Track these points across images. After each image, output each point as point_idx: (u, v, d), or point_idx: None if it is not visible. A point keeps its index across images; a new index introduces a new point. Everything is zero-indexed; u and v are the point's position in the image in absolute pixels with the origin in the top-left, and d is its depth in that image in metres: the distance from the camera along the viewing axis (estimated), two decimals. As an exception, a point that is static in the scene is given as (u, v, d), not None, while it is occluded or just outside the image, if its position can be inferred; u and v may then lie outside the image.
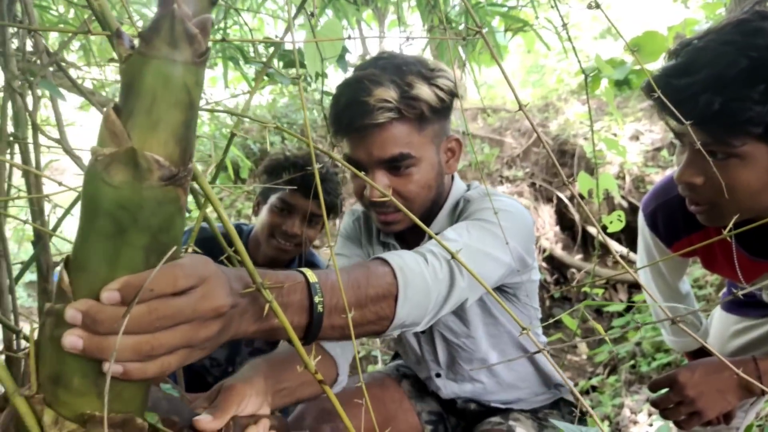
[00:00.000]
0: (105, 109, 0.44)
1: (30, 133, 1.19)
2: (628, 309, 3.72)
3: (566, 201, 4.69)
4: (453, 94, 1.11)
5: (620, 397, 2.84)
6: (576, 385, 3.24)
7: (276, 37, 1.38)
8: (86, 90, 1.10)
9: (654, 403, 1.15)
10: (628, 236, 3.87)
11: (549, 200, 4.86)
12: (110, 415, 0.48)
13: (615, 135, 4.82)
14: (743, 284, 1.13)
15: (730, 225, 0.60)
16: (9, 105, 0.99)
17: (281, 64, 1.35)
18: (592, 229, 4.39)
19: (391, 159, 1.07)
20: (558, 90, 5.90)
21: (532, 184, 4.91)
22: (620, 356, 3.26)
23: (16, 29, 0.87)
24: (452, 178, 1.23)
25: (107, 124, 0.43)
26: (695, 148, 0.92)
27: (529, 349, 1.30)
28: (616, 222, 1.47)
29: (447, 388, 1.33)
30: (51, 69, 0.92)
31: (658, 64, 1.00)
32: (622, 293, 4.19)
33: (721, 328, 1.52)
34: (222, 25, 2.02)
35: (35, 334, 0.50)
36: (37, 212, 1.18)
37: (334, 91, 1.11)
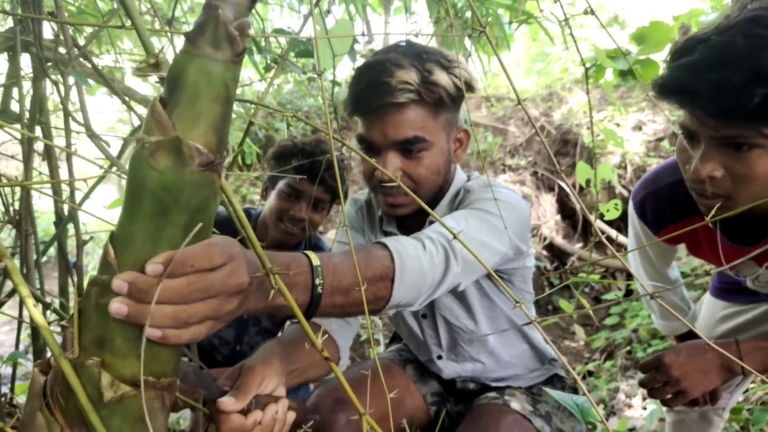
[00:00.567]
0: (152, 101, 0.49)
1: (50, 118, 1.25)
2: (626, 296, 3.78)
3: (568, 190, 4.74)
4: (469, 86, 1.15)
5: (615, 381, 2.90)
6: (573, 369, 3.31)
7: (288, 28, 1.43)
8: (108, 78, 1.16)
9: (642, 383, 1.21)
10: (627, 224, 3.92)
11: (551, 189, 4.91)
12: (160, 380, 0.54)
13: (618, 125, 4.85)
14: (729, 271, 1.18)
15: (712, 212, 0.65)
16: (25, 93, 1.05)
17: (292, 54, 1.40)
18: (592, 218, 4.44)
19: (405, 141, 1.11)
20: (562, 79, 5.91)
21: (534, 173, 4.96)
22: (617, 342, 3.32)
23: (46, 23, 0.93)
24: (455, 170, 1.27)
25: (154, 114, 0.49)
26: (714, 142, 0.94)
27: (529, 339, 1.37)
28: (612, 210, 1.53)
29: (448, 369, 1.39)
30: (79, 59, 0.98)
31: (662, 55, 1.00)
32: (621, 281, 4.25)
33: (709, 314, 1.58)
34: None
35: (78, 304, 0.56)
36: (59, 193, 1.25)
37: (341, 79, 1.17)
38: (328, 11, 0.82)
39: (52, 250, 1.44)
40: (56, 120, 1.36)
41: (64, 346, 0.57)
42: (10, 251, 1.16)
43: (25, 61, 1.11)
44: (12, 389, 1.12)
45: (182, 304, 0.52)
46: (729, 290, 1.51)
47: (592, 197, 4.02)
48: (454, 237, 0.66)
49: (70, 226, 1.27)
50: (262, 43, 1.45)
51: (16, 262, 1.16)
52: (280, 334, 1.90)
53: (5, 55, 1.22)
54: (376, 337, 3.31)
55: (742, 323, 1.48)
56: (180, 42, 0.52)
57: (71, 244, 1.32)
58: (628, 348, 3.16)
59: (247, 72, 4.24)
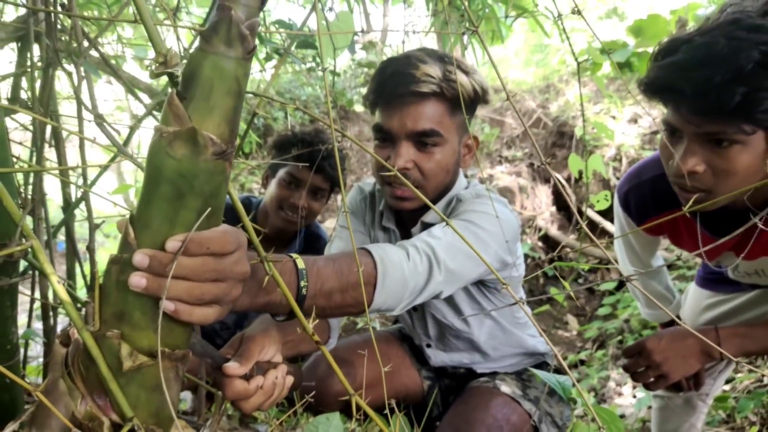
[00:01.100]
0: (169, 94, 0.54)
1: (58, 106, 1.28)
2: (618, 288, 3.84)
3: (563, 182, 4.79)
4: (484, 92, 1.20)
5: (606, 370, 2.97)
6: (565, 359, 3.37)
7: (288, 20, 1.47)
8: (115, 68, 1.20)
9: (625, 368, 1.26)
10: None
11: (546, 181, 4.96)
12: (175, 351, 0.58)
13: (614, 118, 4.90)
14: (707, 261, 1.23)
15: (689, 203, 0.70)
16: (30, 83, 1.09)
17: (293, 45, 1.44)
18: (592, 212, 4.49)
19: (422, 132, 1.15)
20: (560, 71, 5.95)
21: (531, 165, 5.00)
22: (608, 332, 3.38)
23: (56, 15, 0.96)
24: (458, 176, 1.30)
25: (172, 107, 0.53)
26: (696, 138, 0.99)
27: (514, 333, 1.41)
28: (602, 201, 1.58)
29: (437, 357, 1.45)
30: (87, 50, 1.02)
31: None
32: (614, 273, 4.31)
33: (694, 302, 1.63)
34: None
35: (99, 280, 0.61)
36: (67, 178, 1.29)
37: (339, 69, 1.21)
38: (330, 8, 0.85)
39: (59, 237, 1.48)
40: (62, 108, 1.40)
41: (84, 320, 0.62)
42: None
43: (34, 50, 1.15)
44: (24, 366, 1.16)
45: (196, 282, 0.57)
46: (713, 280, 1.56)
47: (587, 189, 4.08)
48: (453, 228, 0.69)
49: (77, 212, 1.31)
50: (266, 35, 1.49)
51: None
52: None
53: (12, 44, 1.26)
54: (373, 325, 3.37)
55: (726, 311, 1.54)
56: (183, 33, 0.56)
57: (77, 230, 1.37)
58: (620, 338, 3.22)
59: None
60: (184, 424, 0.64)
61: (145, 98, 2.08)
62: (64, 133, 1.26)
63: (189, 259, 0.55)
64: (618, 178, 4.45)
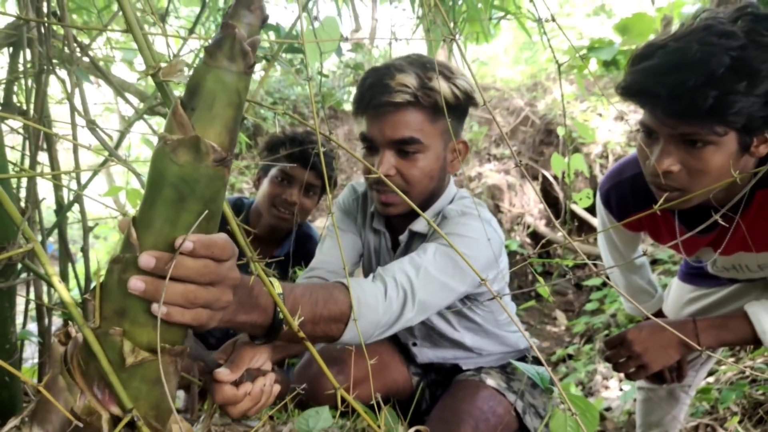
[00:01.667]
0: (174, 103, 0.57)
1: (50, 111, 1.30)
2: (605, 283, 3.89)
3: (551, 179, 4.84)
4: (469, 96, 1.21)
5: (594, 364, 3.01)
6: (553, 353, 3.42)
7: (276, 23, 1.50)
8: (107, 73, 1.22)
9: (607, 358, 1.30)
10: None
11: (534, 178, 5.01)
12: (174, 347, 0.61)
13: (600, 115, 4.95)
14: (684, 254, 1.28)
15: (661, 201, 0.73)
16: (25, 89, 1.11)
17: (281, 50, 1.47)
18: (574, 207, 4.55)
19: (401, 140, 1.18)
20: (547, 69, 6.00)
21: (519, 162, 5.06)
22: (596, 326, 3.43)
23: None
24: (448, 182, 1.33)
25: (176, 116, 0.56)
26: (672, 139, 1.03)
27: (498, 333, 1.45)
28: (585, 199, 1.62)
29: (423, 354, 1.48)
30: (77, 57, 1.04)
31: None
32: (601, 269, 4.36)
33: (677, 296, 1.68)
34: (222, 4, 2.12)
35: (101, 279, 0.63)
36: (60, 185, 1.31)
37: (327, 71, 1.24)
38: (316, 17, 0.88)
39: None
40: (53, 110, 1.42)
41: (84, 318, 0.64)
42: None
43: (27, 56, 1.17)
44: (19, 366, 1.18)
45: (191, 285, 0.59)
46: (694, 275, 1.61)
47: (574, 186, 4.13)
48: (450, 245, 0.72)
49: (69, 214, 1.34)
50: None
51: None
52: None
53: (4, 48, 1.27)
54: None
55: (707, 305, 1.58)
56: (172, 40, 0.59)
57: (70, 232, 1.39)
58: (606, 332, 3.28)
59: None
60: (180, 417, 0.67)
61: (134, 100, 2.09)
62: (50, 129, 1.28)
63: (193, 261, 0.58)
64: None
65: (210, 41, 0.57)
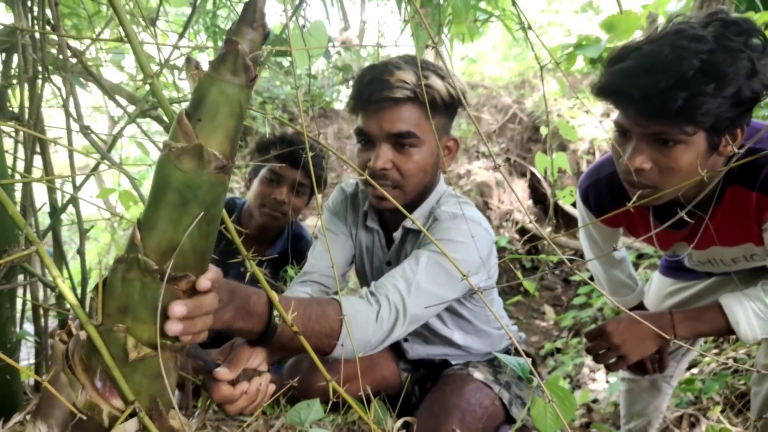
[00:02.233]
0: (178, 113, 0.60)
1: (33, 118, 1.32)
2: (593, 278, 3.95)
3: (539, 176, 4.89)
4: (462, 96, 1.26)
5: (581, 357, 3.07)
6: (542, 347, 3.47)
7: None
8: (100, 78, 1.25)
9: (588, 350, 1.34)
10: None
11: (523, 175, 5.06)
12: (174, 343, 0.65)
13: (587, 112, 5.01)
14: (660, 249, 1.32)
15: (634, 199, 0.78)
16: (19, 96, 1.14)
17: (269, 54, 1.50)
18: (561, 203, 4.60)
19: (398, 134, 1.22)
20: (535, 67, 6.04)
21: (507, 159, 5.10)
22: (583, 320, 3.49)
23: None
24: (439, 179, 1.37)
25: (181, 126, 0.60)
26: (644, 138, 1.08)
27: (491, 335, 1.50)
28: (569, 196, 1.66)
29: (413, 350, 1.52)
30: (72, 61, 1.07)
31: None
32: (578, 264, 4.41)
33: (658, 289, 1.73)
34: (210, 6, 2.15)
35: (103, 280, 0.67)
36: (53, 187, 1.33)
37: (315, 71, 1.28)
38: (304, 26, 0.91)
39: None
40: (45, 113, 1.45)
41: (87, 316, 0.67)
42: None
43: (21, 62, 1.19)
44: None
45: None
46: (674, 268, 1.65)
47: (562, 183, 4.18)
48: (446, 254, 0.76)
49: (62, 216, 1.36)
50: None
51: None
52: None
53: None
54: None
55: (686, 298, 1.63)
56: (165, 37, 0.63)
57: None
58: (593, 325, 3.32)
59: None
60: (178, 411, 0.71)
61: (124, 102, 2.11)
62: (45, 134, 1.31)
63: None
64: (591, 171, 4.56)
65: (215, 52, 0.60)
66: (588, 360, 3.02)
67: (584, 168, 4.61)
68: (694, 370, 2.42)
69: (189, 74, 0.60)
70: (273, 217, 1.87)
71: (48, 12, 1.03)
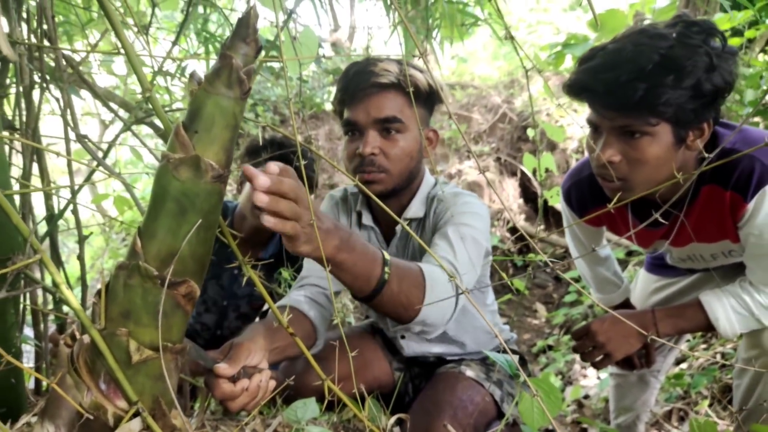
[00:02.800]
0: (175, 125, 0.63)
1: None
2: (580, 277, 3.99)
3: (530, 175, 4.93)
4: (440, 89, 1.33)
5: (572, 354, 3.11)
6: (534, 345, 3.51)
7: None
8: (95, 86, 1.27)
9: (574, 348, 1.38)
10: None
11: (513, 174, 5.10)
12: (175, 345, 0.67)
13: (576, 111, 5.05)
14: (644, 249, 1.36)
15: (614, 199, 0.81)
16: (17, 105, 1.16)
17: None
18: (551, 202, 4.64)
19: (385, 119, 1.28)
20: (524, 67, 6.07)
21: (498, 159, 5.14)
22: (574, 318, 3.53)
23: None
24: (425, 170, 1.43)
25: (178, 137, 0.63)
26: (613, 132, 1.14)
27: (486, 326, 1.53)
28: (556, 196, 1.70)
29: (410, 347, 1.56)
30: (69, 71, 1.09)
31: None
32: (557, 265, 4.46)
33: (643, 286, 1.77)
34: (201, 11, 2.17)
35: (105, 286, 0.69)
36: (51, 194, 1.36)
37: (306, 75, 1.33)
38: (294, 38, 0.94)
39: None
40: (42, 121, 1.47)
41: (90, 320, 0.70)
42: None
43: (17, 73, 1.21)
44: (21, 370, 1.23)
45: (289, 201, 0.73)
46: (658, 265, 1.70)
47: (553, 181, 4.23)
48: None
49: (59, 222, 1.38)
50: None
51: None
52: (257, 319, 2.03)
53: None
54: (348, 320, 3.47)
55: (671, 294, 1.68)
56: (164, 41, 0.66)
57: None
58: (584, 323, 3.37)
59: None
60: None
61: (115, 106, 2.13)
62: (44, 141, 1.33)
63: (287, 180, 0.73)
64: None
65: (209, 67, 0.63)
66: (578, 357, 3.06)
67: (554, 171, 4.64)
68: (683, 365, 2.46)
69: (190, 89, 0.63)
70: None
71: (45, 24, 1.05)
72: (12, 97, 1.29)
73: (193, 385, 1.34)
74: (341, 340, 1.41)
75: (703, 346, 2.61)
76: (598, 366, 1.36)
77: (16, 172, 1.37)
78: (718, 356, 2.44)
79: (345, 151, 1.36)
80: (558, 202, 1.76)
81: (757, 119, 3.03)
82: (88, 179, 1.18)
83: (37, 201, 1.51)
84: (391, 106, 1.29)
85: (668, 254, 1.51)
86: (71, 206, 1.21)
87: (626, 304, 1.72)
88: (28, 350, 1.29)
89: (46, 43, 1.02)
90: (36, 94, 1.18)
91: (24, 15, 1.13)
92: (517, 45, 0.81)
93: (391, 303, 0.95)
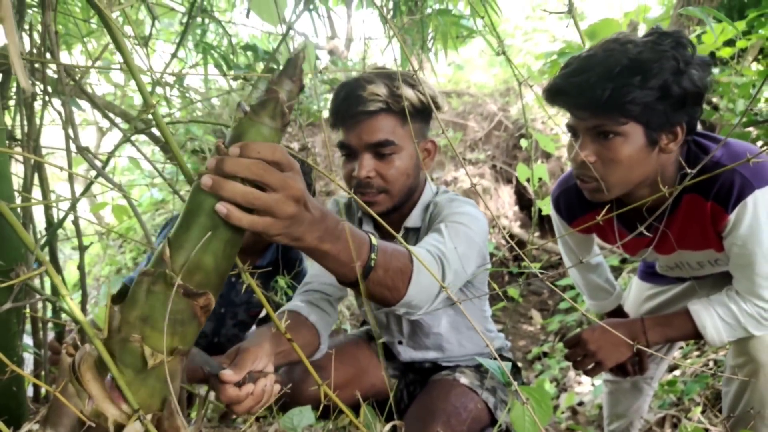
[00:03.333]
0: (215, 145, 0.67)
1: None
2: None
3: (524, 182, 4.96)
4: (433, 102, 1.32)
5: (567, 361, 3.12)
6: (529, 351, 3.53)
7: (254, 45, 1.58)
8: (95, 98, 1.29)
9: (566, 357, 1.41)
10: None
11: (509, 181, 5.14)
12: (186, 348, 0.70)
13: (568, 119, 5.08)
14: (631, 257, 1.39)
15: (603, 211, 0.84)
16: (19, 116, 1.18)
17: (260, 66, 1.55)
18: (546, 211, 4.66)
19: (377, 143, 1.30)
20: (519, 75, 6.12)
21: (493, 166, 5.18)
22: (569, 324, 3.56)
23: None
24: (425, 180, 1.45)
25: (210, 161, 0.67)
26: (588, 133, 1.20)
27: (481, 330, 1.54)
28: (548, 206, 1.72)
29: (406, 353, 1.58)
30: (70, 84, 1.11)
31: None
32: (545, 277, 4.48)
33: (637, 294, 1.80)
34: (200, 21, 2.20)
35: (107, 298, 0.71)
36: (51, 205, 1.37)
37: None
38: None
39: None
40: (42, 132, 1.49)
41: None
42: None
43: (18, 85, 1.23)
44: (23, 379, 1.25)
45: (250, 187, 0.66)
46: (651, 273, 1.72)
47: (546, 190, 4.25)
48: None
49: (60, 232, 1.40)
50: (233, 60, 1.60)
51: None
52: (254, 327, 2.05)
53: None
54: (344, 327, 3.49)
55: (663, 302, 1.70)
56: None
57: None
58: (579, 330, 3.39)
59: (222, 81, 4.36)
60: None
61: (112, 114, 2.15)
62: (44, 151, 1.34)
63: (245, 159, 0.65)
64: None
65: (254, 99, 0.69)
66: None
67: (547, 180, 4.68)
68: (676, 372, 2.49)
69: (237, 117, 0.68)
70: None
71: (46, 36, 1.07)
72: (12, 108, 1.32)
73: (189, 393, 1.37)
74: (338, 349, 1.44)
75: (696, 353, 2.64)
76: (589, 374, 1.38)
77: (15, 180, 1.39)
78: (711, 363, 2.46)
79: (343, 170, 1.39)
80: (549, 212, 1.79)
81: (750, 129, 3.06)
82: (86, 190, 1.20)
83: (37, 209, 1.52)
84: (382, 130, 1.29)
85: (656, 262, 1.54)
86: (71, 216, 1.23)
87: (619, 311, 1.75)
88: (27, 358, 1.31)
89: (48, 56, 1.04)
90: (37, 105, 1.20)
91: (26, 27, 1.16)
92: (510, 60, 0.84)
93: (377, 288, 0.94)
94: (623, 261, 3.75)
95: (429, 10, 1.83)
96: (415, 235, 1.42)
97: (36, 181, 1.37)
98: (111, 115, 1.68)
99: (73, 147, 1.08)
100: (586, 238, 1.60)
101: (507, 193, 5.07)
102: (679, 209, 1.27)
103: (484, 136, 5.38)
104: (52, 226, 1.39)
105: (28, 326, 1.36)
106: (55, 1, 1.02)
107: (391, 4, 1.87)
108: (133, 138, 1.22)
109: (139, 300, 0.68)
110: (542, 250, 4.40)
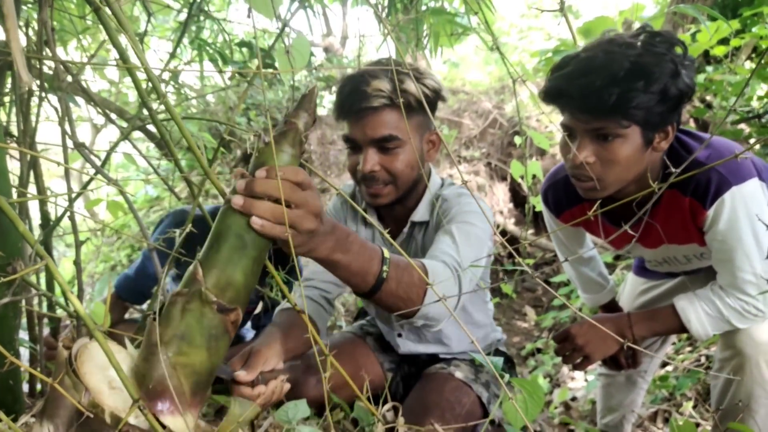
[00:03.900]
0: (236, 171, 0.70)
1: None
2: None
3: (519, 180, 4.98)
4: (437, 93, 1.35)
5: (557, 355, 3.14)
6: (523, 348, 3.55)
7: (249, 41, 1.59)
8: (92, 94, 1.30)
9: (556, 351, 1.43)
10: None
11: (503, 179, 5.15)
12: (219, 362, 0.73)
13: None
14: (617, 251, 1.40)
15: (595, 207, 0.85)
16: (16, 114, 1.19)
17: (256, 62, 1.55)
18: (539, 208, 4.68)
19: (381, 138, 1.31)
20: (514, 72, 6.12)
21: (488, 164, 5.19)
22: (563, 321, 3.58)
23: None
24: (430, 171, 1.47)
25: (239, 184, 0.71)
26: (587, 134, 1.20)
27: (482, 325, 1.58)
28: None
29: (405, 345, 1.59)
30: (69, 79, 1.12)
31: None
32: (536, 275, 4.51)
33: (631, 288, 1.82)
34: (197, 19, 2.20)
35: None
36: (47, 201, 1.38)
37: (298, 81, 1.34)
38: (287, 51, 0.97)
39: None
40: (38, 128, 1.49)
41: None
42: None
43: (14, 81, 1.24)
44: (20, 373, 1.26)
45: (277, 204, 0.70)
46: (644, 268, 1.74)
47: (539, 188, 4.27)
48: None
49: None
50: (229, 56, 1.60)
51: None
52: (249, 322, 2.06)
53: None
54: (339, 323, 3.51)
55: (656, 296, 1.72)
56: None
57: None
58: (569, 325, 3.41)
59: (217, 78, 4.35)
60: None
61: (110, 111, 2.15)
62: (40, 152, 1.35)
63: (272, 180, 0.70)
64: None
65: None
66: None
67: (541, 177, 4.70)
68: (669, 368, 2.51)
69: (258, 146, 0.73)
70: None
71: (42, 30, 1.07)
72: (8, 104, 1.32)
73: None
74: (335, 348, 1.45)
75: (689, 348, 2.66)
76: (578, 368, 1.40)
77: (12, 177, 1.40)
78: (703, 359, 2.48)
79: (348, 162, 1.40)
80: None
81: (742, 126, 3.09)
82: (85, 187, 1.20)
83: (32, 205, 1.53)
84: (385, 125, 1.31)
85: (646, 257, 1.56)
86: (67, 212, 1.24)
87: (613, 305, 1.77)
88: (23, 353, 1.31)
89: (46, 52, 1.05)
90: (34, 101, 1.20)
91: (21, 24, 1.16)
92: (504, 57, 0.85)
93: (391, 299, 0.96)
94: (617, 258, 3.77)
95: (424, 8, 1.84)
96: (422, 229, 1.44)
97: (31, 177, 1.38)
98: (108, 112, 1.68)
99: (69, 143, 1.08)
100: (576, 230, 1.62)
101: (502, 191, 5.09)
102: (660, 204, 1.30)
103: (479, 133, 5.39)
104: (50, 222, 1.39)
105: (23, 322, 1.37)
106: (51, -2, 1.02)
107: (386, 2, 1.88)
108: (130, 136, 1.23)
109: (174, 319, 0.70)
110: (536, 247, 4.42)
